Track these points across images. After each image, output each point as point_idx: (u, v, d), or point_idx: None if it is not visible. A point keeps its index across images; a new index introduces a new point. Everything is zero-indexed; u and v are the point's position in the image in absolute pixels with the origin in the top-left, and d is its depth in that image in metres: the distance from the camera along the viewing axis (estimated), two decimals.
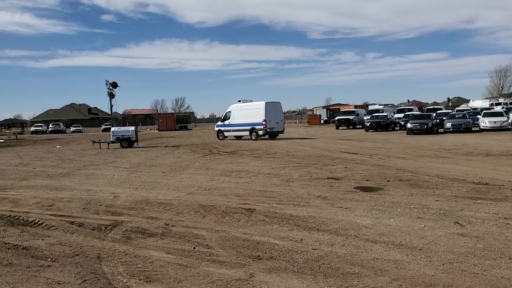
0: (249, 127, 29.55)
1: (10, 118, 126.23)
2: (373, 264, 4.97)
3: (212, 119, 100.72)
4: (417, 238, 5.91)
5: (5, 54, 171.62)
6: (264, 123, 28.52)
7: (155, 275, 4.82)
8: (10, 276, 4.93)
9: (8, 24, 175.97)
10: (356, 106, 67.36)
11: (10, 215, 8.01)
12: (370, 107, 56.48)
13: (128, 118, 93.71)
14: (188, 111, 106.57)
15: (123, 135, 25.91)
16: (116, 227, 6.94)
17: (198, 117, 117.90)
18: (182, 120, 70.99)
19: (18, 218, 7.79)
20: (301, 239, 6.03)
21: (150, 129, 70.97)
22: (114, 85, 27.96)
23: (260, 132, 28.92)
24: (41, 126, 72.30)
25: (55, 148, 28.09)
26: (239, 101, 31.62)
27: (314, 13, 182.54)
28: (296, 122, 79.00)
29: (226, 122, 31.14)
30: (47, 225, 7.24)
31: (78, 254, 5.65)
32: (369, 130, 36.08)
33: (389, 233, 6.19)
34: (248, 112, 29.69)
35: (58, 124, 72.94)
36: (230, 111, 31.08)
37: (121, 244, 6.03)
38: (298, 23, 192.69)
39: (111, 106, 28.21)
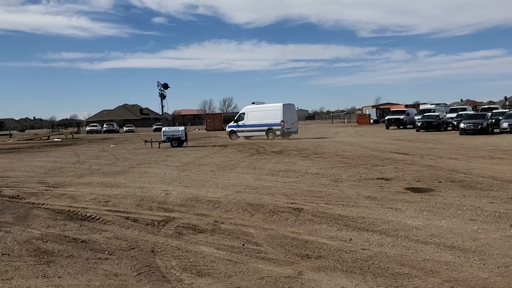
0: (265, 128, 30.78)
1: (66, 118, 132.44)
2: (423, 265, 4.90)
3: None
4: (470, 240, 5.75)
5: (62, 56, 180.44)
6: (282, 123, 30.12)
7: (206, 270, 4.98)
8: (71, 267, 5.23)
9: (65, 27, 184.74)
10: (406, 106, 65.66)
11: (69, 210, 8.45)
12: (422, 107, 54.93)
13: (178, 118, 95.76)
14: (235, 111, 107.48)
15: (173, 135, 26.57)
16: (169, 223, 7.18)
17: None
18: (230, 120, 71.70)
19: (77, 213, 8.21)
20: (350, 239, 6.02)
21: (198, 129, 72.22)
22: (165, 86, 28.72)
23: (278, 132, 30.33)
24: (95, 126, 75.27)
25: (109, 147, 29.19)
26: (253, 103, 33.05)
27: (363, 11, 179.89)
28: (344, 122, 77.99)
29: (240, 123, 32.05)
30: (103, 220, 7.59)
31: (133, 248, 5.91)
32: (420, 130, 35.10)
33: (441, 234, 6.06)
34: (264, 114, 31.02)
35: (112, 124, 75.64)
36: (244, 113, 32.29)
37: (173, 239, 6.24)
38: (347, 21, 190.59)
39: (162, 106, 28.99)
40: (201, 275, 4.81)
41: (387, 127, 43.26)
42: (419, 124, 35.89)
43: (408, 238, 5.97)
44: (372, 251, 5.51)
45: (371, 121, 64.17)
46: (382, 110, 67.59)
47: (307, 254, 5.45)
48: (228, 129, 33.55)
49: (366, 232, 6.35)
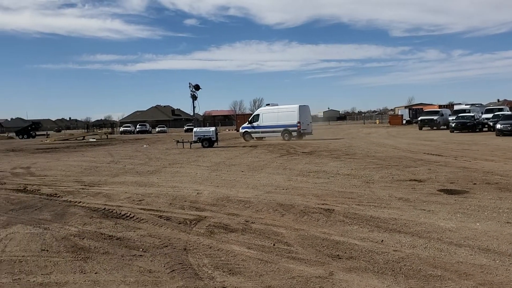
0: (281, 129, 31.37)
1: (101, 119, 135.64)
2: (457, 268, 4.82)
3: None
4: (506, 243, 5.62)
5: (97, 58, 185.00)
6: (298, 124, 30.87)
7: (237, 268, 5.04)
8: (107, 264, 5.40)
9: (99, 30, 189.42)
10: (440, 106, 64.35)
11: (104, 208, 8.69)
12: (456, 107, 53.59)
13: (208, 119, 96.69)
14: None
15: (204, 135, 26.87)
16: (200, 222, 7.29)
17: None
18: None
19: (112, 211, 8.44)
20: (382, 241, 5.97)
21: (229, 130, 72.69)
22: (197, 87, 29.04)
23: (294, 134, 30.96)
24: (129, 126, 76.81)
25: (142, 147, 29.76)
26: (267, 104, 33.95)
27: (396, 10, 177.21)
28: (376, 123, 76.95)
29: (255, 124, 32.66)
30: (137, 218, 7.77)
31: (166, 246, 6.03)
32: (455, 131, 34.29)
33: (475, 237, 5.94)
34: (280, 115, 31.70)
35: (145, 125, 76.99)
36: (258, 114, 33.07)
37: (205, 238, 6.34)
38: (379, 21, 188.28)
39: (194, 107, 29.33)
40: (233, 274, 4.88)
41: (420, 128, 42.44)
42: (453, 125, 35.08)
43: (441, 240, 5.87)
44: (404, 252, 5.45)
45: (404, 121, 63.11)
46: (415, 111, 66.41)
47: (338, 255, 5.44)
48: (241, 130, 34.18)
49: (398, 234, 6.28)
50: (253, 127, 32.76)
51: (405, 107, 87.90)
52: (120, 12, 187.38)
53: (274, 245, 5.90)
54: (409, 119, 64.06)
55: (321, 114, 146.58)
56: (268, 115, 32.30)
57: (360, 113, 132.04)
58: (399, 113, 71.34)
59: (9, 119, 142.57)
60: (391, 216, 7.27)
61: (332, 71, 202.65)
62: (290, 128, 31.05)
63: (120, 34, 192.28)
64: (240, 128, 35.00)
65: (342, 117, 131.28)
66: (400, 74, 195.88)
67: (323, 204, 8.37)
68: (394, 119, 65.07)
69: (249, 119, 33.59)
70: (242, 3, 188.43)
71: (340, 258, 5.32)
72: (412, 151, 19.03)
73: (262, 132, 32.42)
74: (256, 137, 32.65)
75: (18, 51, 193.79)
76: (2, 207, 9.10)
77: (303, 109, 31.55)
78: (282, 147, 24.61)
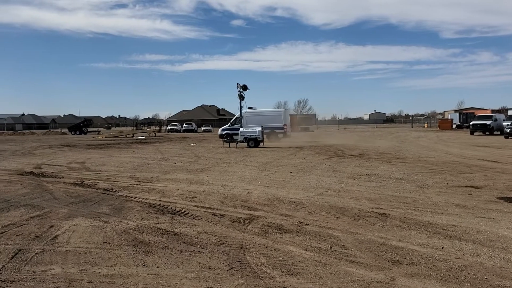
0: (267, 131, 31.27)
1: (149, 117, 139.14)
2: None
3: (335, 121, 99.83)
4: None
5: (146, 58, 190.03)
6: (285, 127, 33.35)
7: (296, 269, 5.04)
8: (168, 258, 5.52)
9: (149, 30, 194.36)
10: (493, 111, 61.73)
11: (159, 204, 8.90)
12: (510, 112, 51.32)
13: None
14: (310, 112, 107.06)
15: (250, 135, 27.01)
16: (254, 221, 7.34)
17: (319, 118, 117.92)
18: (304, 122, 71.58)
19: (167, 207, 8.63)
20: (442, 247, 5.80)
21: None
22: (245, 87, 29.27)
23: (280, 135, 32.92)
24: (175, 125, 78.34)
25: (189, 146, 30.28)
26: (249, 108, 33.89)
27: (448, 11, 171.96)
28: (424, 126, 74.85)
29: (237, 126, 31.76)
30: (192, 215, 7.91)
31: (223, 243, 6.11)
32: (509, 137, 32.82)
33: None
34: (265, 118, 32.56)
35: (191, 124, 78.30)
36: (241, 117, 32.74)
37: (260, 237, 6.37)
38: (429, 22, 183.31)
39: (241, 107, 29.55)
40: (292, 274, 4.88)
41: (472, 133, 40.88)
42: (508, 130, 33.53)
43: (506, 250, 5.64)
44: (467, 260, 5.28)
45: (454, 126, 61.06)
46: (466, 115, 64.13)
47: (398, 260, 5.33)
48: (221, 132, 33.19)
49: (458, 241, 6.09)
50: (234, 130, 31.39)
51: (455, 111, 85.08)
52: (169, 13, 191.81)
53: (331, 247, 5.86)
54: (459, 123, 61.87)
55: (367, 117, 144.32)
56: (252, 118, 32.49)
57: (407, 116, 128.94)
58: (449, 117, 69.12)
59: (62, 116, 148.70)
60: (449, 223, 7.06)
61: (379, 72, 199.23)
62: (277, 130, 32.93)
63: (169, 34, 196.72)
64: (220, 130, 33.99)
65: (389, 120, 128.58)
66: (449, 77, 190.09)
67: (377, 208, 8.23)
68: (443, 123, 63.12)
69: (231, 121, 33.52)
70: (289, 4, 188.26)
71: (401, 264, 5.21)
72: (465, 157, 18.38)
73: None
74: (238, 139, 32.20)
75: (72, 51, 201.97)
76: (63, 200, 9.50)
77: (287, 113, 34.66)
78: (329, 149, 24.38)
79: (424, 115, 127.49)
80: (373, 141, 32.18)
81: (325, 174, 13.25)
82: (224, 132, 32.80)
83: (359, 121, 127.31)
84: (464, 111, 74.79)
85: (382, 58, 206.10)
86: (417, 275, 4.84)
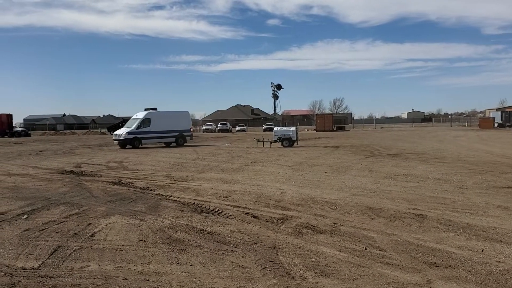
0: (176, 134, 30.61)
1: None
2: None
3: (371, 120, 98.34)
4: None
5: (182, 59, 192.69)
6: (192, 129, 33.16)
7: (329, 270, 4.97)
8: (201, 257, 5.56)
9: (185, 31, 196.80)
10: None
11: (194, 203, 8.98)
12: None
13: (287, 119, 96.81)
14: (345, 111, 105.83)
15: (284, 135, 26.96)
16: (287, 221, 7.29)
17: (355, 117, 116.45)
18: (340, 121, 71.04)
19: (201, 206, 8.70)
20: (482, 250, 5.60)
21: (308, 130, 72.35)
22: (279, 87, 29.44)
23: (188, 138, 31.62)
24: (210, 125, 79.11)
25: (224, 145, 30.50)
26: (146, 109, 30.59)
27: (491, 6, 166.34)
28: (465, 125, 72.69)
29: (146, 129, 29.19)
30: (226, 214, 7.95)
31: (256, 243, 6.10)
32: None
33: None
34: (173, 120, 30.78)
35: (225, 124, 78.79)
36: (148, 118, 29.51)
37: (293, 238, 6.33)
38: (470, 18, 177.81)
39: (275, 107, 29.61)
40: (325, 275, 4.82)
41: None
42: None
43: None
44: (509, 264, 5.07)
45: (495, 125, 59.00)
46: (509, 114, 61.92)
47: (435, 263, 5.17)
48: (127, 136, 28.70)
49: (499, 244, 5.86)
50: (145, 133, 29.12)
51: (497, 109, 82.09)
52: (206, 14, 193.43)
53: (365, 249, 5.75)
54: (501, 122, 59.80)
55: (404, 116, 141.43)
56: (160, 120, 29.92)
57: (446, 115, 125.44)
58: (490, 116, 66.84)
59: (102, 116, 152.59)
60: (490, 225, 6.81)
61: (417, 70, 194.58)
62: (185, 133, 31.43)
63: (205, 35, 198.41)
64: (126, 134, 28.76)
65: (427, 119, 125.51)
66: (491, 74, 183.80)
67: (414, 209, 8.03)
68: (484, 122, 61.11)
69: (137, 124, 29.06)
70: (325, 2, 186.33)
71: (438, 266, 5.06)
72: (507, 157, 17.71)
73: (157, 138, 29.85)
74: (146, 143, 29.78)
75: (111, 52, 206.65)
76: (101, 198, 9.73)
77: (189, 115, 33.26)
78: (366, 148, 24.02)
79: (463, 113, 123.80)
80: (410, 141, 31.49)
81: (361, 174, 13.05)
82: (132, 136, 28.72)
83: (396, 120, 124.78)
84: (507, 109, 72.02)
85: (420, 55, 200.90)
86: (455, 278, 4.68)
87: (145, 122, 29.35)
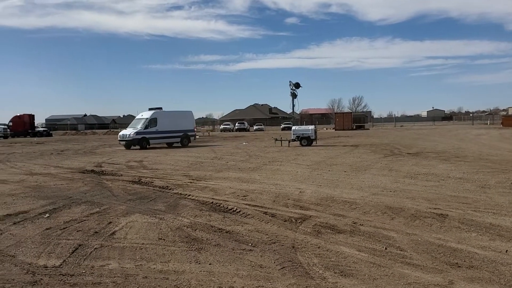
0: (181, 134, 29.95)
1: (203, 117, 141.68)
2: None
3: (391, 119, 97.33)
4: None
5: (201, 59, 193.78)
6: (195, 129, 32.40)
7: (349, 270, 4.92)
8: (220, 256, 5.57)
9: (204, 31, 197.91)
10: None
11: (212, 202, 9.01)
12: None
13: (306, 118, 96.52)
14: (365, 110, 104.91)
15: (303, 134, 26.85)
16: (306, 221, 7.26)
17: (375, 116, 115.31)
18: (359, 120, 70.52)
19: (219, 205, 8.72)
20: (506, 251, 5.48)
21: (326, 128, 71.97)
22: (297, 85, 29.11)
23: (192, 138, 30.97)
24: (228, 124, 79.28)
25: (242, 145, 30.54)
26: (150, 108, 29.85)
27: None
28: (487, 124, 71.38)
29: (153, 129, 28.47)
30: (244, 213, 7.95)
31: (274, 242, 6.08)
32: None
33: None
34: (177, 120, 30.03)
35: (243, 123, 78.97)
36: (155, 118, 28.78)
37: (312, 237, 6.29)
38: (493, 14, 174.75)
39: (293, 105, 29.44)
40: (345, 275, 4.77)
41: None
42: None
43: None
44: None
45: None
46: None
47: (457, 263, 5.08)
48: (136, 137, 27.74)
49: None
50: (152, 133, 28.37)
51: None
52: (224, 13, 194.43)
53: (386, 249, 5.68)
54: None
55: (424, 114, 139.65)
56: (165, 120, 29.23)
57: (467, 113, 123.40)
58: None
59: (122, 116, 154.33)
60: None
61: (438, 68, 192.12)
62: (190, 133, 30.86)
63: (223, 34, 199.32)
64: (134, 134, 27.78)
65: (448, 117, 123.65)
66: None
67: (435, 208, 7.90)
68: (507, 120, 59.88)
69: (145, 124, 28.26)
70: (344, 0, 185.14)
71: (460, 267, 4.97)
72: None
73: (163, 138, 29.21)
74: (154, 144, 29.00)
75: (131, 53, 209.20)
76: (121, 197, 9.84)
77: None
78: (386, 147, 23.79)
79: (485, 111, 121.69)
80: (431, 139, 31.05)
81: (381, 173, 12.91)
82: (140, 136, 27.86)
83: (416, 118, 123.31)
84: None
85: (441, 53, 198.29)
86: (477, 279, 4.59)
87: (152, 122, 28.64)
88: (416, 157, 17.78)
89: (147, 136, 28.16)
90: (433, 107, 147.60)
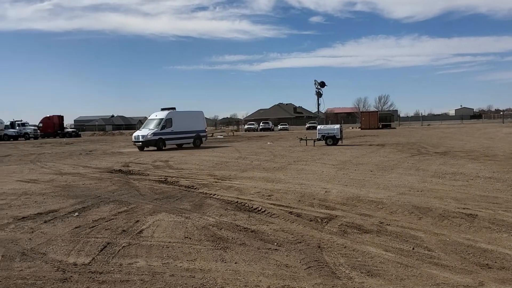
0: (193, 134, 29.21)
1: (227, 117, 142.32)
2: None
3: (418, 117, 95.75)
4: None
5: (225, 59, 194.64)
6: (206, 129, 31.35)
7: (376, 270, 4.87)
8: (245, 255, 5.60)
9: (228, 31, 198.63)
10: None
11: (237, 202, 9.05)
12: None
13: (331, 117, 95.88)
14: (391, 109, 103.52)
15: (328, 133, 26.67)
16: (332, 221, 7.21)
17: (401, 115, 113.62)
18: (385, 119, 69.76)
19: (244, 204, 8.75)
20: None
21: (352, 128, 71.31)
22: (322, 84, 28.90)
23: (203, 139, 30.27)
24: (253, 124, 79.43)
25: (266, 144, 30.55)
26: (163, 109, 28.96)
27: None
28: None
29: (169, 130, 27.52)
30: (269, 212, 7.95)
31: (300, 242, 6.07)
32: None
33: None
34: (190, 120, 29.35)
35: (268, 123, 78.93)
36: (170, 118, 27.90)
37: (338, 237, 6.25)
38: None
39: (319, 105, 29.25)
40: (371, 275, 4.73)
41: None
42: None
43: None
44: None
45: None
46: None
47: (487, 264, 4.97)
48: (153, 137, 26.76)
49: None
50: (167, 134, 27.45)
51: None
52: (248, 13, 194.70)
53: (413, 249, 5.60)
54: None
55: (452, 112, 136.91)
56: (179, 120, 28.29)
57: (497, 111, 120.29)
58: None
59: (148, 117, 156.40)
60: None
61: (466, 65, 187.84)
62: (202, 134, 30.11)
63: (247, 34, 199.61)
64: (150, 135, 26.77)
65: (477, 115, 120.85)
66: None
67: (464, 208, 7.75)
68: None
69: (161, 124, 27.30)
70: None
71: (490, 268, 4.86)
72: None
73: (178, 139, 28.41)
74: (169, 144, 28.04)
75: (156, 54, 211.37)
76: (148, 196, 9.98)
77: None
78: (412, 146, 23.43)
79: None
80: (459, 138, 30.43)
81: (408, 173, 12.73)
82: (157, 137, 26.92)
83: (444, 117, 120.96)
84: None
85: (469, 50, 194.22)
86: (509, 281, 4.48)
87: (167, 122, 27.70)
88: (444, 156, 17.45)
89: (163, 137, 27.34)
90: (461, 106, 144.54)
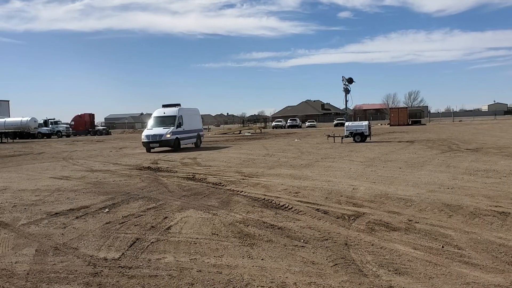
0: (196, 134, 27.43)
1: (255, 114, 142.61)
2: None
3: (449, 114, 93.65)
4: None
5: (253, 56, 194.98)
6: (203, 129, 30.86)
7: (403, 268, 4.82)
8: (272, 251, 5.62)
9: (256, 28, 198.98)
10: None
11: (264, 199, 9.08)
12: None
13: (359, 113, 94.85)
14: (421, 105, 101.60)
15: (356, 130, 26.42)
16: (359, 218, 7.16)
17: (432, 111, 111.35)
18: (415, 115, 68.55)
19: (271, 201, 8.77)
20: None
21: (381, 124, 70.36)
22: (350, 80, 28.67)
23: (202, 139, 29.00)
24: (280, 121, 79.37)
25: (293, 142, 30.46)
26: (164, 105, 26.45)
27: None
28: None
29: (181, 128, 25.17)
30: (296, 210, 7.95)
31: (326, 239, 6.05)
32: None
33: None
34: (193, 118, 27.51)
35: (295, 120, 78.78)
36: (181, 115, 25.54)
37: (365, 235, 6.20)
38: None
39: (346, 101, 29.02)
40: (399, 273, 4.68)
41: None
42: None
43: None
44: None
45: None
46: None
47: None
48: (171, 137, 24.20)
49: None
50: (183, 132, 25.39)
51: None
52: (276, 10, 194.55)
53: (442, 247, 5.51)
54: None
55: (485, 108, 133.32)
56: (187, 118, 26.11)
57: None
58: None
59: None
60: None
61: (500, 60, 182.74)
62: (201, 133, 28.80)
63: (275, 31, 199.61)
64: (168, 134, 24.15)
65: (511, 111, 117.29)
66: None
67: (496, 206, 7.56)
68: None
69: (177, 123, 24.87)
70: None
71: None
72: None
73: (188, 138, 26.35)
74: (182, 145, 25.71)
75: (184, 52, 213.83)
76: (176, 193, 10.11)
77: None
78: (443, 142, 22.96)
79: None
80: (492, 134, 29.63)
81: (438, 170, 12.49)
82: (174, 137, 24.41)
83: (476, 113, 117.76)
84: None
85: (504, 44, 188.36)
86: None
87: (180, 120, 25.39)
88: (476, 153, 17.03)
89: (179, 136, 24.98)
90: (494, 101, 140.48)
